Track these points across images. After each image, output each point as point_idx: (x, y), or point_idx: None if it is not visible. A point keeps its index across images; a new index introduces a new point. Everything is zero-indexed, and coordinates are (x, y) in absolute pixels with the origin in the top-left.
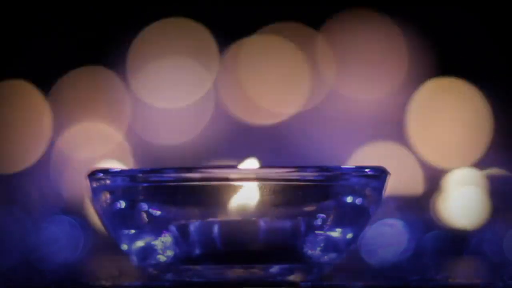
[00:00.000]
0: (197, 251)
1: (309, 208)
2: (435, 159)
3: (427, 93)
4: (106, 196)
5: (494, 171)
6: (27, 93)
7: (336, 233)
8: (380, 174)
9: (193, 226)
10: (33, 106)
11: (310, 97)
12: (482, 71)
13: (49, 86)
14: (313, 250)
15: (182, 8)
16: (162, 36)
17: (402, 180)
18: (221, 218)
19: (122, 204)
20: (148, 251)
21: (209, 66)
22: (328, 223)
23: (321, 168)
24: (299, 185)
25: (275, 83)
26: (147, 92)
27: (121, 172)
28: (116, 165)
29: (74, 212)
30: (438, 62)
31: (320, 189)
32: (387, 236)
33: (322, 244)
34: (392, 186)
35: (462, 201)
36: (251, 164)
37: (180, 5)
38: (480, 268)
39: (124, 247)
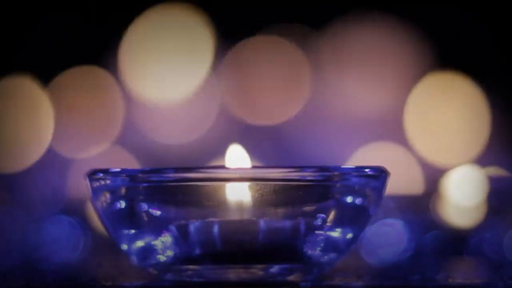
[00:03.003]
0: (197, 251)
1: (309, 208)
2: (435, 159)
3: (427, 92)
4: (106, 196)
5: (494, 170)
6: (26, 93)
7: (336, 233)
8: (380, 174)
9: (193, 226)
10: (32, 106)
11: (310, 97)
12: (482, 70)
13: (47, 86)
14: (313, 250)
15: (179, 6)
16: (159, 32)
17: (402, 180)
18: (221, 218)
19: (122, 204)
20: (148, 251)
21: (210, 65)
22: (328, 223)
23: (321, 168)
24: (299, 185)
25: (276, 83)
26: (147, 91)
27: (121, 172)
28: (116, 165)
29: (74, 212)
30: (438, 60)
31: (320, 189)
32: (387, 236)
33: (322, 244)
34: (392, 186)
35: (462, 201)
36: (236, 151)
37: (178, 2)
38: (480, 268)
39: (124, 247)
